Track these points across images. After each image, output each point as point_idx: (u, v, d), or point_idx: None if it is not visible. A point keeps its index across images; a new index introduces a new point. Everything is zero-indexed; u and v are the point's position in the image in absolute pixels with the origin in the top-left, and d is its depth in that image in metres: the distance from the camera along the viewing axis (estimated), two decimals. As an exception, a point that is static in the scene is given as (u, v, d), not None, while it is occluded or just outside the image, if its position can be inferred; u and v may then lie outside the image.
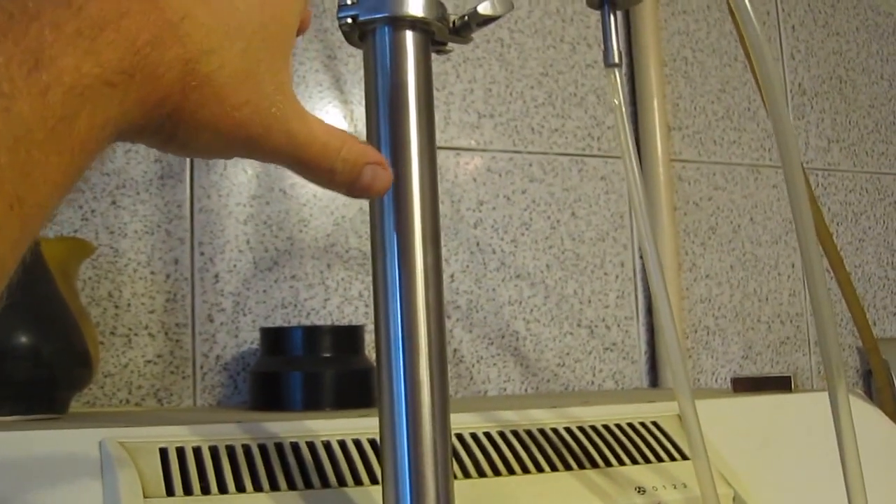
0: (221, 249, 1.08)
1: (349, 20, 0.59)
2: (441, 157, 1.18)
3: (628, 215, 1.28)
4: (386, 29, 0.58)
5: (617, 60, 0.67)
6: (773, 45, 1.46)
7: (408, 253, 0.56)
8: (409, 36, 0.58)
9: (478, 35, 0.63)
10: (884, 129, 1.53)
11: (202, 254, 1.07)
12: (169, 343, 1.04)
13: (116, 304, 1.03)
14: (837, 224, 1.45)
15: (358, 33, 0.60)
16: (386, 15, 0.58)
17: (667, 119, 1.31)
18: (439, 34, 0.60)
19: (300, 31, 0.45)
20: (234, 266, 1.08)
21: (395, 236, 0.56)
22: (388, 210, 0.56)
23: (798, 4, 1.49)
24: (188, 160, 1.07)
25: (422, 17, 0.58)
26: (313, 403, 0.91)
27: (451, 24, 0.61)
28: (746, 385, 0.96)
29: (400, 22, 0.58)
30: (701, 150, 1.36)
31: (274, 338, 0.97)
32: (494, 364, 1.18)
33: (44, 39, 0.31)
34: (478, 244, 1.19)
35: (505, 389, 1.18)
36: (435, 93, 1.18)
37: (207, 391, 1.05)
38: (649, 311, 1.27)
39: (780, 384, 0.93)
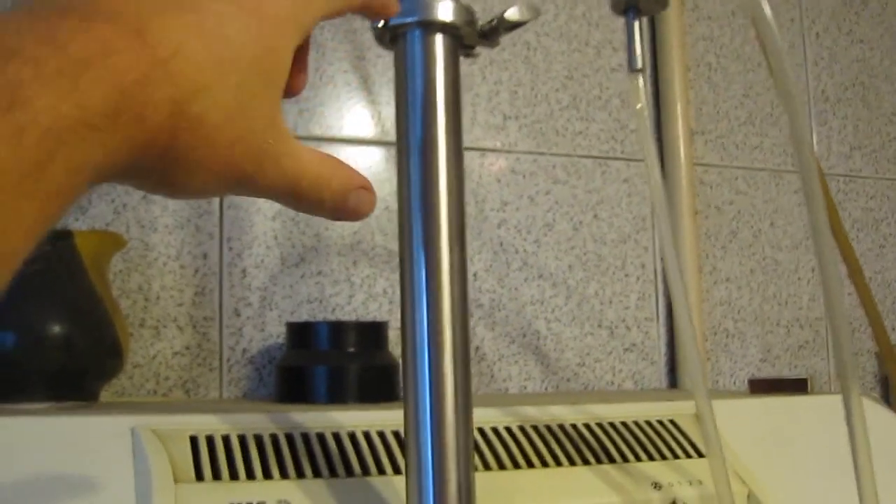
0: (249, 245, 1.10)
1: (381, 24, 0.61)
2: (466, 157, 1.20)
3: (650, 218, 1.30)
4: (417, 33, 0.60)
5: (640, 66, 0.69)
6: (797, 52, 1.47)
7: (434, 252, 0.58)
8: (439, 39, 0.60)
9: (504, 38, 0.65)
10: (906, 136, 1.54)
11: (230, 249, 1.09)
12: (196, 336, 1.07)
13: (146, 297, 1.05)
14: (858, 230, 1.46)
15: (389, 36, 0.62)
16: (417, 19, 0.60)
17: (690, 123, 1.33)
18: (468, 38, 0.62)
19: (293, 91, 0.45)
20: (262, 261, 1.10)
21: (422, 236, 0.58)
22: (416, 210, 0.58)
23: (822, 12, 1.50)
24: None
25: (451, 22, 0.60)
26: (338, 397, 0.93)
27: (479, 29, 0.63)
28: (763, 386, 0.97)
29: (430, 26, 0.60)
30: (723, 155, 1.37)
31: (300, 332, 0.98)
32: (516, 362, 1.20)
33: (22, 78, 0.29)
34: (501, 244, 1.21)
35: (525, 387, 1.20)
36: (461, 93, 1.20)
37: (233, 384, 1.07)
38: (669, 313, 1.29)
39: (797, 386, 0.95)
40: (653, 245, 1.30)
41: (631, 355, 1.26)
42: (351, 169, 0.44)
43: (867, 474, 0.65)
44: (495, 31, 0.63)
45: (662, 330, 1.29)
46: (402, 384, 0.58)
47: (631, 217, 1.29)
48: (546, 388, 1.21)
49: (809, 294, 1.40)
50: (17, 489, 0.59)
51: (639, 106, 0.69)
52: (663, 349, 1.29)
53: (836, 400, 0.94)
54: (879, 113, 1.52)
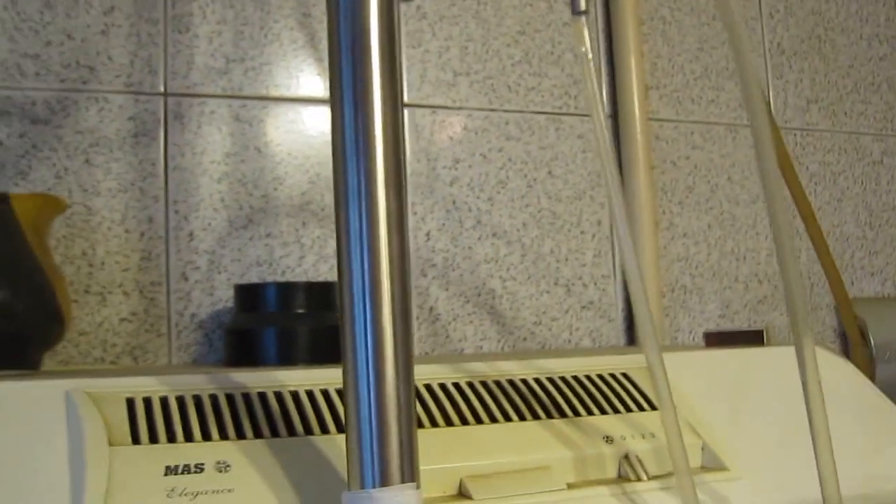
0: (196, 207, 1.07)
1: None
2: (417, 115, 1.18)
3: (604, 174, 1.28)
4: (349, -24, 0.58)
5: (584, 8, 0.67)
6: (752, 4, 1.46)
7: (371, 202, 0.56)
8: (373, -18, 0.58)
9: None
10: (862, 89, 1.53)
11: (177, 212, 1.07)
12: (144, 301, 1.04)
13: (91, 263, 1.03)
14: (815, 184, 1.45)
15: (321, -20, 0.60)
16: (348, -39, 0.58)
17: (644, 78, 1.31)
18: (403, -19, 0.60)
19: None
20: (209, 224, 1.08)
21: (357, 181, 0.56)
22: (351, 156, 0.56)
23: (778, -37, 1.50)
24: (162, 119, 1.06)
25: (384, -36, 0.58)
26: (287, 359, 0.91)
27: (414, -29, 0.61)
28: (719, 339, 0.96)
29: (363, -31, 0.58)
30: (679, 110, 1.36)
31: (248, 295, 0.96)
32: (471, 322, 1.18)
33: None
34: (454, 202, 1.19)
35: (481, 347, 1.18)
36: (410, 51, 1.18)
37: (183, 349, 1.05)
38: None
39: (752, 338, 0.94)
40: (609, 201, 1.28)
41: (588, 313, 1.25)
42: None
43: (821, 423, 0.64)
44: (431, -28, 0.61)
45: (619, 287, 1.27)
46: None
47: (586, 173, 1.27)
48: (502, 348, 1.20)
49: (767, 249, 1.39)
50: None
51: (583, 49, 0.67)
52: (621, 306, 1.27)
53: (792, 351, 0.93)
54: (836, 66, 1.51)
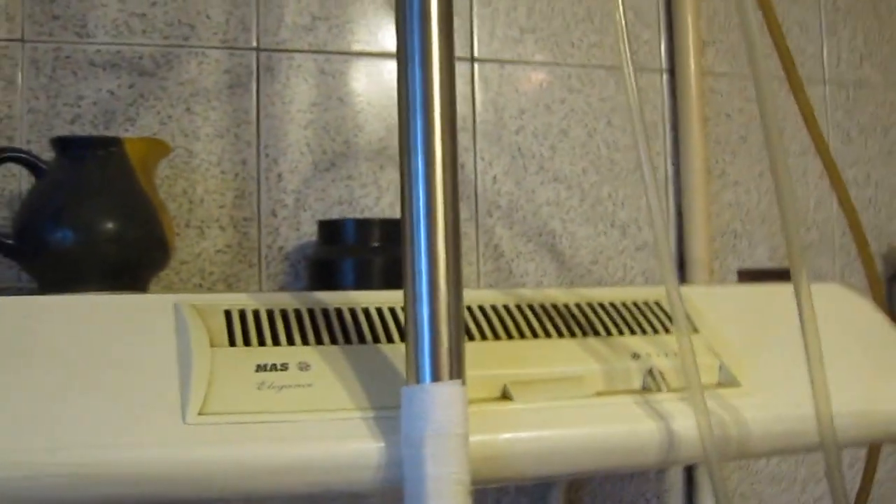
0: (284, 152, 1.19)
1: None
2: (486, 69, 1.29)
3: (661, 125, 1.38)
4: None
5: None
6: None
7: (430, 146, 0.67)
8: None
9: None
10: (917, 45, 1.60)
11: (267, 155, 1.19)
12: (237, 235, 1.17)
13: (191, 200, 1.16)
14: (866, 137, 1.53)
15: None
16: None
17: (700, 34, 1.40)
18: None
19: None
20: (296, 167, 1.20)
21: (419, 134, 0.67)
22: (414, 112, 0.67)
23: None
24: (255, 72, 1.18)
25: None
26: (363, 286, 1.01)
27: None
28: (751, 276, 1.05)
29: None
30: (734, 64, 1.44)
31: (330, 229, 1.07)
32: (532, 259, 1.29)
33: None
34: (519, 149, 1.30)
35: (541, 283, 1.29)
36: (481, 10, 1.29)
37: (271, 278, 1.18)
38: (679, 213, 1.37)
39: (783, 276, 1.03)
40: (664, 150, 1.38)
41: (642, 254, 1.35)
42: None
43: (815, 353, 0.74)
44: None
45: (672, 230, 1.37)
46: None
47: (643, 124, 1.37)
48: (561, 284, 1.31)
49: (816, 198, 1.48)
50: (76, 351, 0.70)
51: (617, 16, 0.77)
52: (673, 247, 1.37)
53: (817, 288, 1.02)
54: (889, 23, 1.58)
